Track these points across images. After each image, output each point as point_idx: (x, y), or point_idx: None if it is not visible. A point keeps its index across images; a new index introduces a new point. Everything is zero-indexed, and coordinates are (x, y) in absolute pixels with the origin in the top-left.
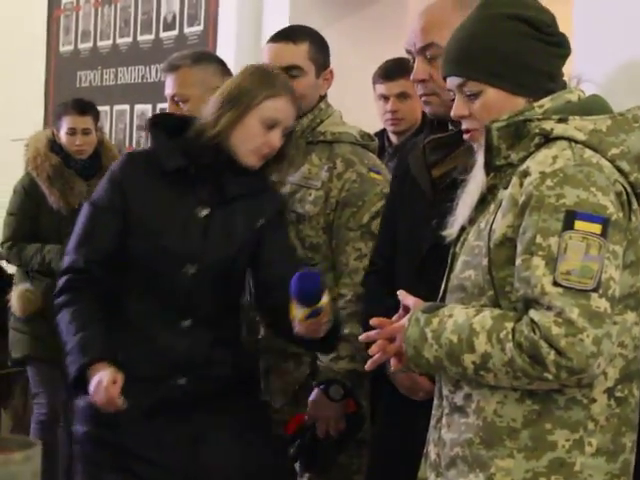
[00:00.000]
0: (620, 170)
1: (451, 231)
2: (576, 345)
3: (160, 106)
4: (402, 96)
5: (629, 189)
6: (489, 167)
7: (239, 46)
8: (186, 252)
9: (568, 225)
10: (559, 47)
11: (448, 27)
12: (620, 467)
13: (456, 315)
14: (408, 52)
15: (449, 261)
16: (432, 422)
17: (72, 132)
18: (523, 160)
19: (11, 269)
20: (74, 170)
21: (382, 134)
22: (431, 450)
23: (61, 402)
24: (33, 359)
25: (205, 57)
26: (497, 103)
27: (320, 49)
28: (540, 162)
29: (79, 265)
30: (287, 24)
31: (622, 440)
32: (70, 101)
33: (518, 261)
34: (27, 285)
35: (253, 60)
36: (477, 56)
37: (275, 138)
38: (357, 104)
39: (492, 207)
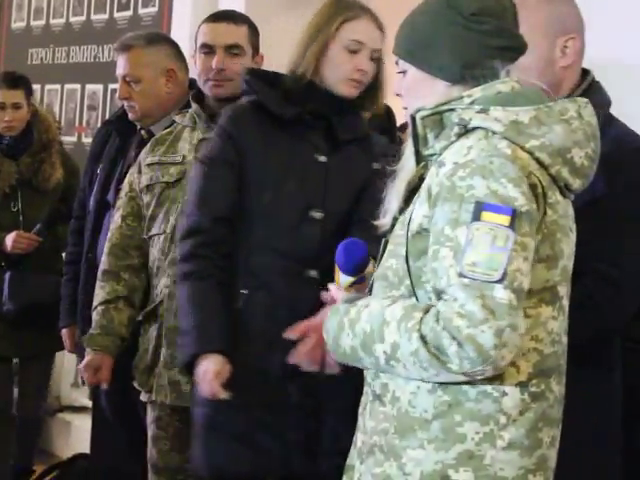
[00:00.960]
0: (540, 162)
1: (384, 221)
2: (477, 337)
3: (112, 86)
4: None
5: (546, 182)
6: (418, 156)
7: (193, 29)
8: (311, 198)
9: (475, 216)
10: (490, 37)
11: (530, 22)
12: (536, 462)
13: (372, 305)
14: None
15: (380, 250)
16: (360, 409)
17: (1, 107)
18: (445, 149)
19: None
20: (0, 150)
21: None
22: (358, 437)
23: (8, 399)
24: None
25: (158, 38)
26: (417, 83)
27: (255, 33)
28: (455, 152)
29: (204, 226)
30: (243, 8)
31: (538, 435)
32: None
33: (429, 252)
34: None
35: None
36: (403, 35)
37: (363, 61)
38: None
39: (416, 196)
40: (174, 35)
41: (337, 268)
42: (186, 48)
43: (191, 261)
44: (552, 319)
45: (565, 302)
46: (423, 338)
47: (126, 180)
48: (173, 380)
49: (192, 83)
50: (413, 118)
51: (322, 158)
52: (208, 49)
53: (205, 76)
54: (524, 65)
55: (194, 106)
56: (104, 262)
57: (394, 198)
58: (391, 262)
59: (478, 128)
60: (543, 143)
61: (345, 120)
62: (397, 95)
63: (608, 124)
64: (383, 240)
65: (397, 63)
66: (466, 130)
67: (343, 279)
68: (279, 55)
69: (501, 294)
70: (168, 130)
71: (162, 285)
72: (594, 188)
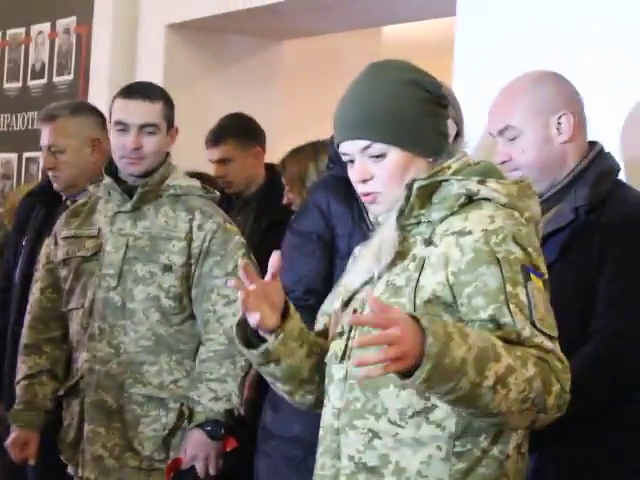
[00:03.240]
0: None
1: (350, 287)
2: (568, 383)
3: (26, 155)
4: (223, 161)
5: None
6: (398, 225)
7: (111, 97)
8: None
9: (526, 277)
10: (446, 108)
11: (521, 108)
12: None
13: (468, 327)
14: (490, 134)
15: (343, 324)
16: None
17: None
18: (444, 219)
19: None
20: None
21: None
22: None
23: None
24: None
25: (84, 108)
26: (401, 164)
27: (171, 107)
28: (478, 222)
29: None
30: (161, 75)
31: None
32: None
33: (486, 313)
34: None
35: None
36: (382, 119)
37: None
38: None
39: (409, 264)
40: (92, 103)
41: None
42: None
43: None
44: None
45: None
46: (536, 366)
47: (42, 251)
48: (96, 455)
49: None
50: (410, 187)
51: None
52: (122, 126)
53: (120, 153)
54: (523, 146)
55: (107, 179)
56: (25, 336)
57: (368, 266)
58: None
59: (481, 199)
60: (531, 215)
61: None
62: (363, 181)
63: (616, 189)
64: (349, 309)
65: (366, 148)
66: (469, 200)
67: None
68: (196, 122)
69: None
70: (83, 201)
71: (82, 359)
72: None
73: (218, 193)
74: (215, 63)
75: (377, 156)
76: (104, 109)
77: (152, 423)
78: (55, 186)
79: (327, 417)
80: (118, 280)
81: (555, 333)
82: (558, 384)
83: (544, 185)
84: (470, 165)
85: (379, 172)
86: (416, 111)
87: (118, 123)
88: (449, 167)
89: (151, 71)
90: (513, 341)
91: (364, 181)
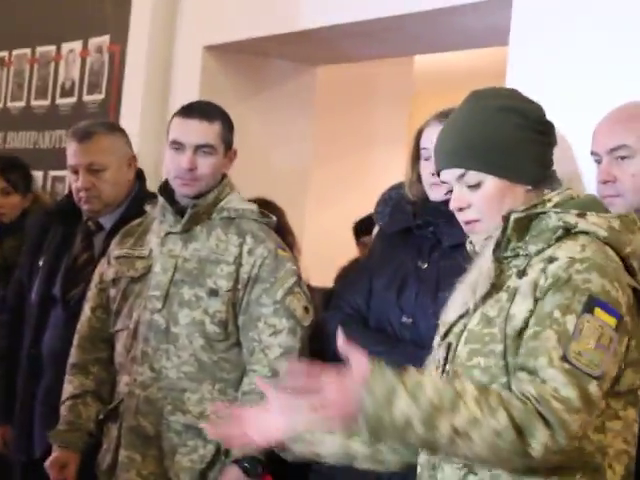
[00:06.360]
0: (631, 269)
1: (447, 320)
2: (569, 424)
3: (52, 173)
4: None
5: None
6: (495, 257)
7: (144, 118)
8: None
9: (588, 309)
10: (547, 136)
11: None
12: None
13: (432, 378)
14: (594, 154)
15: (443, 353)
16: None
17: None
18: (541, 251)
19: None
20: None
21: None
22: None
23: None
24: None
25: (117, 127)
26: (497, 192)
27: (229, 129)
28: (568, 249)
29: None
30: (196, 98)
31: None
32: None
33: (528, 332)
34: None
35: (158, 133)
36: (476, 147)
37: None
38: (263, 180)
39: (502, 295)
40: (123, 123)
41: None
42: (136, 137)
43: None
44: (635, 422)
45: None
46: (511, 418)
47: (96, 271)
48: None
49: (139, 173)
50: (507, 219)
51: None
52: (178, 146)
53: (174, 173)
54: (634, 170)
55: (160, 199)
56: (72, 355)
57: (465, 297)
58: (477, 361)
59: (580, 232)
60: (633, 250)
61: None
62: (456, 210)
63: None
64: (442, 342)
65: (462, 177)
66: (566, 233)
67: None
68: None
69: (595, 391)
70: (139, 221)
71: (123, 383)
72: None
73: (274, 218)
74: (251, 86)
75: (473, 185)
76: (136, 130)
77: (189, 454)
78: (88, 207)
79: (423, 453)
80: (164, 303)
81: (596, 371)
82: (547, 429)
83: None
84: (573, 198)
85: (475, 200)
86: (509, 137)
87: (174, 142)
88: (550, 199)
89: (186, 93)
90: (529, 369)
91: (461, 209)
